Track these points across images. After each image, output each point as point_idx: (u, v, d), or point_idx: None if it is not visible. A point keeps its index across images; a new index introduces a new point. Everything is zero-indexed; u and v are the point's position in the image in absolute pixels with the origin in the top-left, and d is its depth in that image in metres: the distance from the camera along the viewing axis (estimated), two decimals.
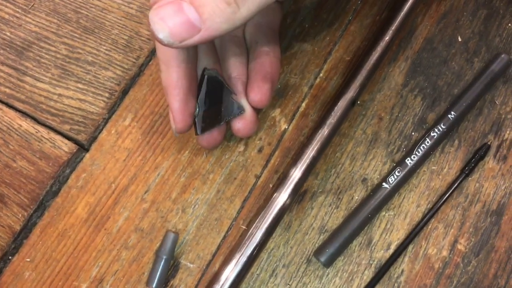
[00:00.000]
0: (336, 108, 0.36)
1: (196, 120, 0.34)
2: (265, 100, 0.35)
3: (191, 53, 0.33)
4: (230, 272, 0.32)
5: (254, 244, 0.33)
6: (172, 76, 0.33)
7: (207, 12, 0.27)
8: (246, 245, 0.33)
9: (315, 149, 0.35)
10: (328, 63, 0.41)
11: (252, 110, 0.36)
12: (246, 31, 0.38)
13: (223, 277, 0.32)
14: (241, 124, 0.36)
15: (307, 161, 0.34)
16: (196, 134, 0.35)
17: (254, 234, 0.33)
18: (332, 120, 0.35)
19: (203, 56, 0.35)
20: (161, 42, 0.27)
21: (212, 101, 0.34)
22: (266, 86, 0.35)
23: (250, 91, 0.35)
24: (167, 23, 0.27)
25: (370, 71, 0.37)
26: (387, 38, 0.37)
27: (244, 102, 0.36)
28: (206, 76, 0.33)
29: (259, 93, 0.35)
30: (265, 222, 0.33)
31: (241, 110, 0.35)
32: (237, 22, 0.28)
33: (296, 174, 0.34)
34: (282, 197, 0.34)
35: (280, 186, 0.34)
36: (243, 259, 0.33)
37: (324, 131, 0.35)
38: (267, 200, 0.34)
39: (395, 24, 0.38)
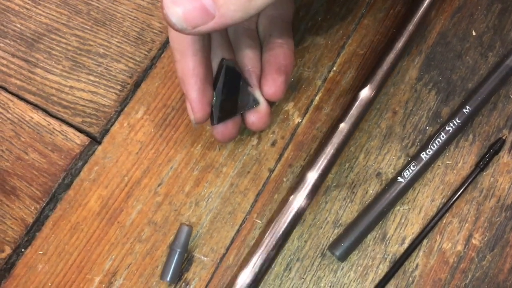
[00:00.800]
0: (353, 108, 0.36)
1: (213, 109, 0.34)
2: (280, 92, 0.35)
3: (206, 42, 0.33)
4: (246, 277, 0.32)
5: (271, 247, 0.33)
6: (189, 65, 0.32)
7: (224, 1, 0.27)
8: (262, 249, 0.33)
9: (332, 151, 0.35)
10: (342, 56, 0.41)
11: (266, 103, 0.36)
12: (259, 23, 0.37)
13: (239, 281, 0.32)
14: (255, 118, 0.36)
15: (324, 162, 0.34)
16: (212, 124, 0.35)
17: (271, 238, 0.33)
18: (349, 122, 0.35)
19: (218, 49, 0.35)
20: (173, 26, 0.27)
21: (230, 91, 0.34)
22: (281, 78, 0.35)
23: (264, 84, 0.35)
24: (181, 8, 0.27)
25: (389, 68, 0.36)
26: (406, 34, 0.37)
27: (258, 95, 0.35)
28: (224, 66, 0.33)
29: (274, 85, 0.35)
30: (281, 226, 0.33)
31: (256, 102, 0.35)
32: (252, 11, 0.27)
33: (312, 176, 0.34)
34: (298, 201, 0.34)
35: (297, 189, 0.34)
36: (260, 262, 0.32)
37: (342, 131, 0.35)
38: (284, 203, 0.34)
39: (415, 20, 0.38)
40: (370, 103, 0.36)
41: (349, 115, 0.36)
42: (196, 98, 0.33)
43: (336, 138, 0.35)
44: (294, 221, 0.33)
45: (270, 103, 0.37)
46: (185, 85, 0.33)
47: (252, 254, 0.33)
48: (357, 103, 0.36)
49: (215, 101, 0.34)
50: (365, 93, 0.36)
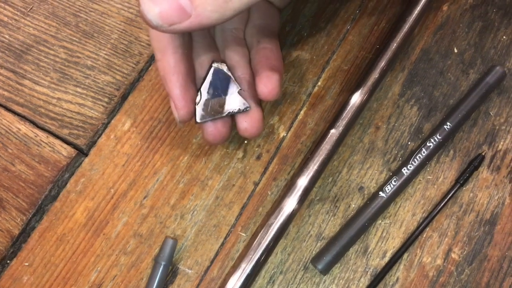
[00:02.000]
0: (343, 115, 0.36)
1: (196, 107, 0.34)
2: (275, 91, 0.34)
3: (186, 40, 0.33)
4: (236, 281, 0.33)
5: (260, 252, 0.33)
6: (170, 62, 0.33)
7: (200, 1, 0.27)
8: (253, 254, 0.33)
9: (322, 156, 0.35)
10: (326, 72, 0.41)
11: (258, 108, 0.36)
12: (246, 33, 0.38)
13: (229, 286, 0.33)
14: (248, 123, 0.35)
15: (315, 168, 0.35)
16: (196, 122, 0.35)
17: (261, 243, 0.33)
18: (340, 127, 0.36)
19: (203, 53, 0.36)
20: (149, 23, 0.28)
21: (216, 92, 0.34)
22: (275, 76, 0.34)
23: (259, 83, 0.34)
24: (157, 5, 0.27)
25: (377, 80, 0.37)
26: (391, 51, 0.38)
27: (250, 102, 0.36)
28: (213, 67, 0.34)
29: (269, 83, 0.34)
30: (271, 230, 0.34)
31: (246, 106, 0.35)
32: (228, 13, 0.28)
33: (303, 182, 0.35)
34: (289, 205, 0.34)
35: (288, 194, 0.34)
36: (249, 267, 0.33)
37: (332, 138, 0.36)
38: (272, 210, 0.35)
39: (401, 36, 0.38)
40: (360, 108, 0.37)
41: (339, 121, 0.37)
42: (179, 95, 0.33)
43: (326, 145, 0.36)
44: (284, 226, 0.34)
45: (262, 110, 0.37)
46: (167, 83, 0.33)
47: (241, 259, 0.34)
48: (347, 109, 0.37)
49: (199, 99, 0.34)
50: (356, 97, 0.37)
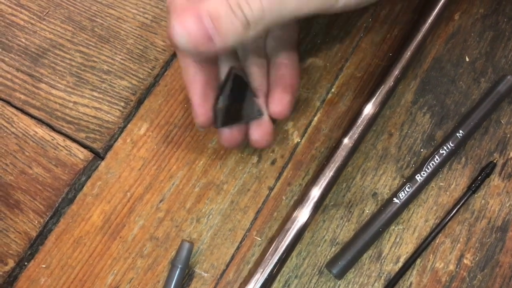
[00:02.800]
0: (355, 126, 0.37)
1: (217, 112, 0.35)
2: (286, 111, 0.36)
3: None
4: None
5: (274, 263, 0.34)
6: (190, 71, 0.33)
7: (224, 27, 0.29)
8: (266, 264, 0.34)
9: (335, 166, 0.36)
10: (340, 79, 0.42)
11: (269, 121, 0.37)
12: (267, 44, 0.38)
13: None
14: (259, 135, 0.36)
15: (327, 179, 0.35)
16: (215, 126, 0.35)
17: (274, 254, 0.34)
18: (352, 138, 0.37)
19: (225, 61, 0.36)
20: (177, 45, 0.29)
21: (236, 98, 0.35)
22: (287, 97, 0.36)
23: (271, 102, 0.36)
24: (187, 30, 0.29)
25: (389, 91, 0.38)
26: (405, 60, 0.39)
27: (263, 108, 0.36)
28: (233, 73, 0.34)
29: (280, 104, 0.35)
30: (285, 241, 0.34)
31: (260, 113, 0.36)
32: (248, 38, 0.30)
33: (316, 192, 0.35)
34: (302, 216, 0.35)
35: (301, 204, 0.35)
36: (263, 279, 0.33)
37: (345, 148, 0.36)
38: (287, 218, 0.35)
39: (414, 45, 0.39)
40: (373, 118, 0.37)
41: (352, 130, 0.37)
42: (197, 102, 0.34)
43: (339, 155, 0.36)
44: (298, 235, 0.35)
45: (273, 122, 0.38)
46: (189, 91, 0.34)
47: (255, 268, 0.34)
48: (362, 117, 0.37)
49: (221, 104, 0.35)
50: (370, 106, 0.38)
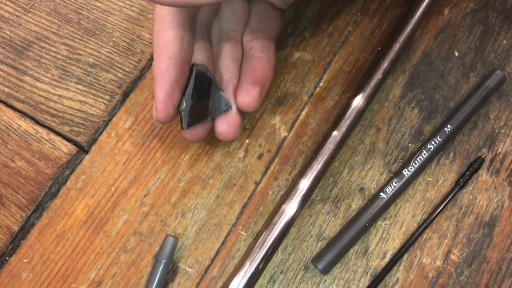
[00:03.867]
0: (344, 118, 0.36)
1: (182, 114, 0.34)
2: (253, 103, 0.35)
3: (185, 46, 0.34)
4: (238, 283, 0.33)
5: (262, 255, 0.33)
6: (161, 65, 0.33)
7: None
8: (254, 257, 0.33)
9: (324, 158, 0.35)
10: (328, 73, 0.41)
11: (238, 114, 0.36)
12: (244, 36, 0.38)
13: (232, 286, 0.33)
14: (224, 127, 0.36)
15: (316, 171, 0.35)
16: (182, 128, 0.35)
17: (262, 245, 0.33)
18: (340, 130, 0.36)
19: (198, 53, 0.36)
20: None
21: (200, 96, 0.35)
22: (255, 89, 0.35)
23: (239, 93, 0.35)
24: None
25: (377, 84, 0.37)
26: (394, 52, 0.38)
27: (231, 102, 0.36)
28: (194, 71, 0.34)
29: (247, 96, 0.35)
30: (273, 233, 0.34)
31: (228, 106, 0.35)
32: None
33: (305, 184, 0.35)
34: (291, 209, 0.34)
35: (289, 197, 0.35)
36: (249, 273, 0.33)
37: (334, 140, 0.36)
38: (275, 211, 0.35)
39: (403, 38, 0.39)
40: (362, 110, 0.37)
41: (342, 122, 0.37)
42: (162, 99, 0.33)
43: (327, 148, 0.36)
44: (285, 229, 0.34)
45: (244, 115, 0.37)
46: (155, 84, 0.34)
47: (243, 261, 0.34)
48: (350, 110, 0.37)
49: (184, 106, 0.34)
50: (358, 99, 0.37)
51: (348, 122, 0.37)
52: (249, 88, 0.35)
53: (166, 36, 0.33)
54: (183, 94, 0.34)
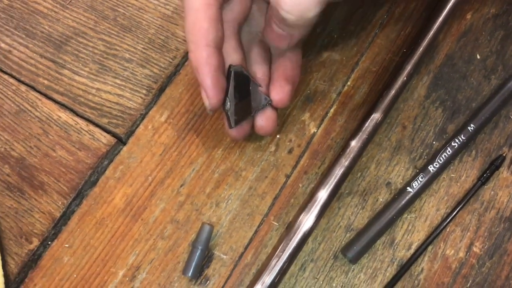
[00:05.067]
0: (363, 129, 0.38)
1: (228, 114, 0.36)
2: (286, 100, 0.37)
3: (220, 34, 0.35)
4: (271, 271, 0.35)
5: (279, 267, 0.35)
6: (202, 54, 0.34)
7: (282, 28, 0.34)
8: (270, 269, 0.35)
9: (341, 171, 0.37)
10: (356, 72, 0.43)
11: (273, 109, 0.38)
12: None
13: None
14: (264, 122, 0.38)
15: (334, 182, 0.37)
16: (230, 127, 0.37)
17: (279, 257, 0.35)
18: (357, 142, 0.38)
19: (232, 52, 0.37)
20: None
21: (241, 95, 0.36)
22: (288, 86, 0.37)
23: (272, 90, 0.37)
24: (270, 40, 0.35)
25: (397, 92, 0.39)
26: (418, 55, 0.40)
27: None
28: (232, 71, 0.36)
29: (281, 92, 0.37)
30: (290, 246, 0.35)
31: (268, 100, 0.37)
32: (300, 27, 0.33)
33: (322, 195, 0.36)
34: (309, 220, 0.36)
35: (307, 207, 0.36)
36: (269, 281, 0.35)
37: (351, 152, 0.38)
38: (294, 221, 0.36)
39: (427, 41, 0.41)
40: (379, 124, 0.39)
41: (360, 133, 0.38)
42: (210, 84, 0.34)
43: (346, 157, 0.38)
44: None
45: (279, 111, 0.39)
46: (199, 73, 0.35)
47: (260, 273, 0.35)
48: (367, 123, 0.39)
49: (229, 106, 0.36)
50: (376, 115, 0.39)
51: (374, 122, 0.39)
52: (282, 84, 0.37)
53: (201, 26, 0.34)
54: (225, 95, 0.36)
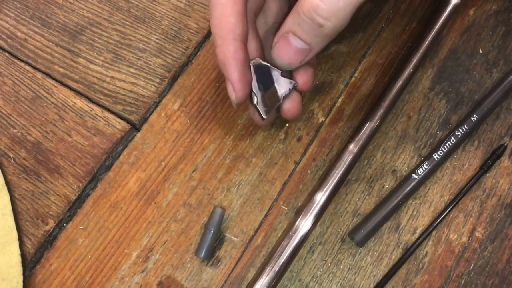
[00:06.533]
0: (362, 131, 0.40)
1: (258, 107, 0.37)
2: (310, 82, 0.38)
3: (246, 30, 0.36)
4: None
5: (276, 270, 0.36)
6: (229, 48, 0.35)
7: (309, 39, 0.34)
8: (267, 272, 0.36)
9: (339, 174, 0.38)
10: (362, 64, 0.45)
11: (298, 92, 0.39)
12: None
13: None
14: (290, 104, 0.39)
15: (332, 185, 0.38)
16: (262, 119, 0.38)
17: (276, 261, 0.36)
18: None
19: (250, 41, 0.38)
20: (286, 69, 0.37)
21: (265, 85, 0.37)
22: (310, 69, 0.38)
23: (297, 74, 0.38)
24: (285, 58, 0.35)
25: (403, 84, 0.41)
26: (423, 48, 0.42)
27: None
28: (252, 65, 0.37)
29: (305, 75, 0.38)
30: (287, 248, 0.36)
31: (294, 83, 0.38)
32: (332, 35, 0.35)
33: (321, 198, 0.38)
34: (306, 225, 0.37)
35: (304, 212, 0.37)
36: (267, 281, 0.36)
37: (349, 154, 0.39)
38: (291, 225, 0.37)
39: (431, 36, 0.42)
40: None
41: (358, 137, 0.40)
42: (237, 78, 0.35)
43: (344, 160, 0.39)
44: (300, 244, 0.37)
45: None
46: (226, 67, 0.36)
47: (259, 273, 0.36)
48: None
49: (257, 99, 0.37)
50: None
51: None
52: (305, 67, 0.38)
53: (228, 21, 0.35)
54: (250, 91, 0.37)
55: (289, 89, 0.38)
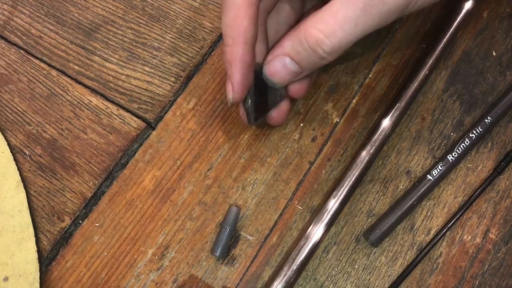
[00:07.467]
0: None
1: (248, 111, 0.38)
2: (303, 91, 0.40)
3: (256, 33, 0.37)
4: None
5: (288, 278, 0.36)
6: (238, 50, 0.35)
7: (305, 65, 0.36)
8: (280, 281, 0.36)
9: (351, 182, 0.39)
10: (377, 65, 0.45)
11: (287, 102, 0.40)
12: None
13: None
14: (275, 113, 0.40)
15: (344, 192, 0.38)
16: (250, 123, 0.39)
17: (288, 270, 0.36)
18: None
19: (258, 42, 0.39)
20: (274, 86, 0.38)
21: (260, 92, 0.38)
22: (306, 80, 0.40)
23: (292, 83, 0.39)
24: (277, 77, 0.37)
25: (426, 76, 0.41)
26: (437, 50, 0.42)
27: (283, 91, 0.40)
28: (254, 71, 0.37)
29: (298, 84, 0.39)
30: (299, 257, 0.37)
31: (282, 97, 0.39)
32: (327, 62, 0.36)
33: (333, 205, 0.38)
34: (318, 232, 0.37)
35: (317, 219, 0.38)
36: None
37: (362, 161, 0.39)
38: (303, 232, 0.38)
39: (445, 38, 0.43)
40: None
41: (371, 142, 0.40)
42: (239, 80, 0.36)
43: (357, 166, 0.40)
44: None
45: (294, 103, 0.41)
46: (231, 68, 0.36)
47: (271, 282, 0.37)
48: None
49: (249, 103, 0.38)
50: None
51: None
52: (302, 79, 0.39)
53: (242, 23, 0.36)
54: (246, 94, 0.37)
55: (279, 101, 0.39)
